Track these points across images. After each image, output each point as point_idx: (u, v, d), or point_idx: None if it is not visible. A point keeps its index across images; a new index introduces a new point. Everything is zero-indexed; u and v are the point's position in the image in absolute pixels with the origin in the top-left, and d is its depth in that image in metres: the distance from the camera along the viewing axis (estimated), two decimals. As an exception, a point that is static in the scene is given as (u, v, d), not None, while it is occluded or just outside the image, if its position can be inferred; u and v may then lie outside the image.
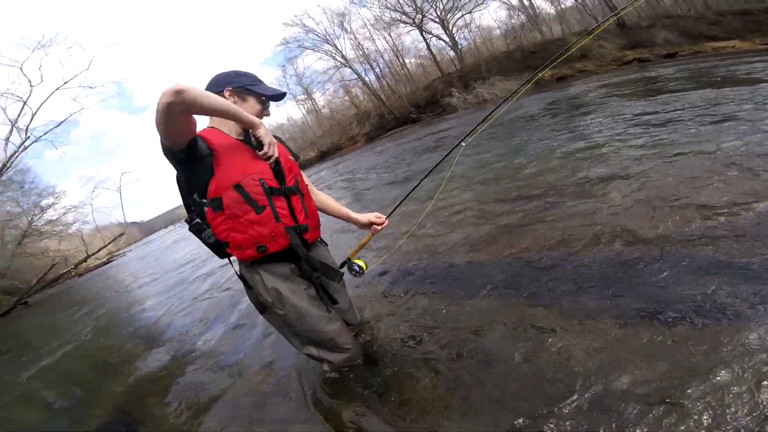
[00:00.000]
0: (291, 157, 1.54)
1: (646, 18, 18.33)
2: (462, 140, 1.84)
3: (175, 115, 1.09)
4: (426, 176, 1.93)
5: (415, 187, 1.92)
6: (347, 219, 1.78)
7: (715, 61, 9.86)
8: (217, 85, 1.41)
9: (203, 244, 1.42)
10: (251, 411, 1.77)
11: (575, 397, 1.17)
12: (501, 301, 1.80)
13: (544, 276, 1.88)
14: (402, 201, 1.89)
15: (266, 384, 1.93)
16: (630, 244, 1.90)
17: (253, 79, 1.46)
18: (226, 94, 1.39)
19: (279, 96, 1.50)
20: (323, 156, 27.96)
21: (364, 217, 1.74)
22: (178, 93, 1.04)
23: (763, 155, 2.42)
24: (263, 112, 1.48)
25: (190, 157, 1.23)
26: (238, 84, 1.41)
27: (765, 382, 1.02)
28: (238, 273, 1.52)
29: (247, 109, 1.41)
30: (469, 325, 1.71)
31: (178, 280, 5.90)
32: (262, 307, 1.49)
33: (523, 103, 10.46)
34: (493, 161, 4.87)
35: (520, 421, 1.16)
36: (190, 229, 1.37)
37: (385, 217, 1.77)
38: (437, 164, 1.92)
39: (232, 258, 1.46)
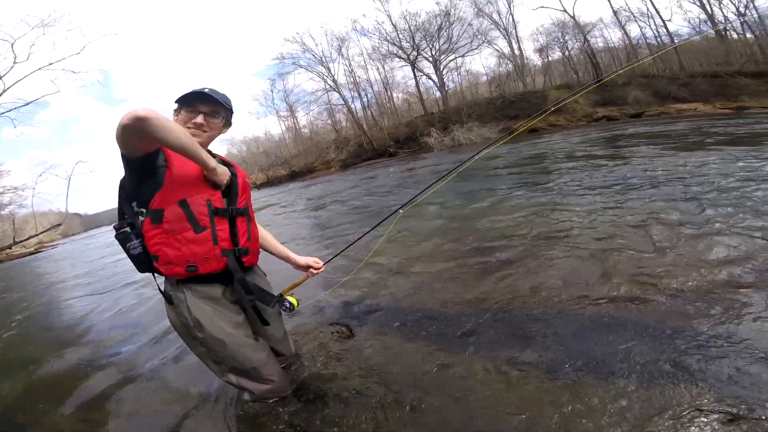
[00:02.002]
0: (247, 180, 1.54)
1: (624, 76, 19.94)
2: (401, 208, 2.01)
3: (132, 137, 1.11)
4: (362, 236, 2.08)
5: (351, 244, 2.08)
6: (286, 258, 1.77)
7: (672, 122, 10.75)
8: None
9: (126, 254, 1.34)
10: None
11: None
12: (438, 345, 1.78)
13: (489, 325, 1.87)
14: (339, 254, 2.04)
15: (178, 405, 1.78)
16: (567, 301, 1.94)
17: (193, 95, 1.37)
18: (173, 117, 1.39)
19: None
20: (294, 175, 27.71)
21: (303, 259, 1.77)
22: (140, 120, 1.04)
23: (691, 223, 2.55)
24: (193, 118, 1.36)
25: (144, 166, 1.21)
26: (178, 102, 1.39)
27: None
28: (161, 289, 1.42)
29: (181, 120, 1.37)
30: (408, 368, 1.66)
31: (109, 282, 5.45)
32: (183, 329, 1.39)
33: (492, 152, 10.88)
34: (448, 209, 4.93)
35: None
36: (116, 236, 1.31)
37: (322, 263, 1.80)
38: (374, 227, 2.09)
39: (155, 274, 1.38)
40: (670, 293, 1.80)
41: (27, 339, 3.49)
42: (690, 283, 1.85)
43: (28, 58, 20.10)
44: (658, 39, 24.44)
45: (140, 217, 1.27)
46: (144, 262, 1.32)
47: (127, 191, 1.30)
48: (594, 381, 1.33)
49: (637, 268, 2.11)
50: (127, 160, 1.20)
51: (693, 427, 1.07)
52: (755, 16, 20.25)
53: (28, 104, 20.46)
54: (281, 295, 1.65)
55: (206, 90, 1.38)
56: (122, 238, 1.29)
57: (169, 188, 1.23)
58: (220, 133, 1.47)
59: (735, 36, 21.08)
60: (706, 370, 1.27)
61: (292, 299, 1.68)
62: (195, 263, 1.28)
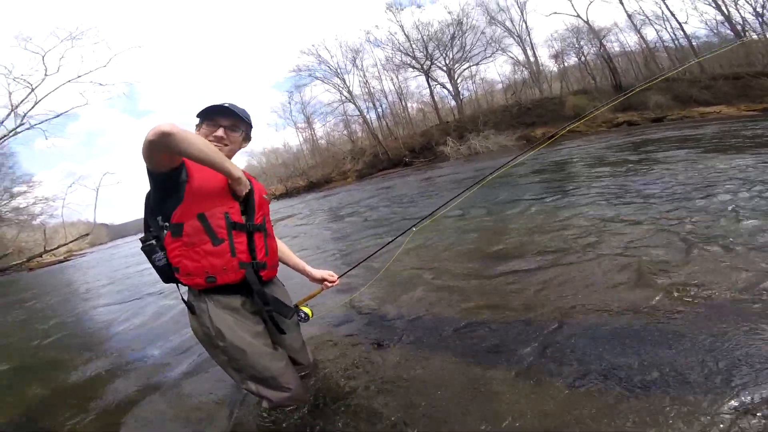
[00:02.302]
0: (265, 196, 1.57)
1: (643, 80, 19.50)
2: (414, 226, 2.04)
3: (157, 152, 1.14)
4: (376, 252, 2.11)
5: (366, 259, 2.11)
6: (302, 271, 1.81)
7: (697, 126, 10.39)
8: None
9: (151, 266, 1.39)
10: None
11: None
12: (457, 359, 1.77)
13: (504, 337, 1.86)
14: (353, 267, 2.09)
15: (199, 412, 1.82)
16: (591, 312, 1.91)
17: (213, 109, 1.43)
18: (195, 131, 1.43)
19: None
20: (312, 186, 28.04)
21: (318, 273, 1.80)
22: (165, 135, 1.08)
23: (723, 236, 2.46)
24: (214, 131, 1.42)
25: (168, 181, 1.25)
26: (199, 117, 1.44)
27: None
28: (185, 299, 1.46)
29: (202, 134, 1.42)
30: (424, 379, 1.66)
31: (134, 291, 5.59)
32: (204, 338, 1.43)
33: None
34: (470, 218, 4.89)
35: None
36: (142, 248, 1.36)
37: (337, 276, 1.84)
38: (387, 243, 2.16)
39: (180, 284, 1.43)
40: (701, 303, 1.75)
41: (55, 345, 3.58)
42: (722, 294, 1.79)
43: (58, 71, 21.03)
44: (676, 42, 23.94)
45: (164, 230, 1.32)
46: (168, 273, 1.36)
47: (152, 206, 1.35)
48: (618, 392, 1.31)
49: (667, 276, 2.06)
50: (152, 175, 1.25)
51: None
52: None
53: (58, 116, 21.48)
54: (296, 306, 1.68)
55: (226, 104, 1.43)
56: (148, 251, 1.35)
57: (189, 202, 1.27)
58: (240, 147, 1.51)
59: (755, 36, 20.39)
60: (735, 382, 1.23)
61: (307, 310, 1.72)
62: (214, 274, 1.32)
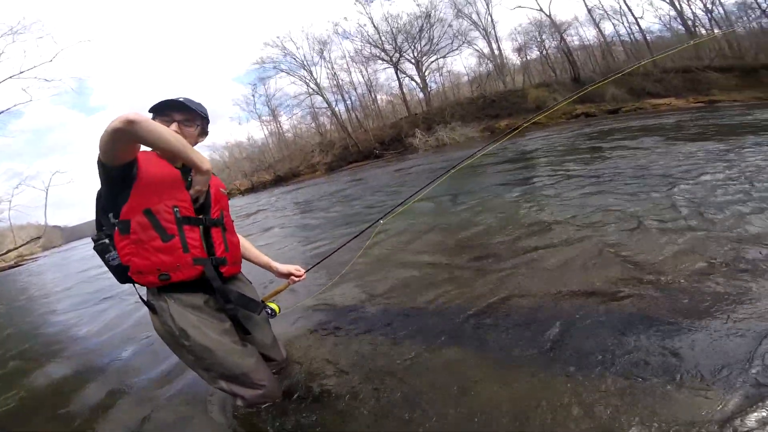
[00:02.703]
0: (222, 190, 1.54)
1: (600, 74, 20.46)
2: (381, 218, 2.07)
3: (121, 141, 1.12)
4: (342, 246, 2.11)
5: (333, 252, 2.14)
6: (267, 267, 1.80)
7: (653, 117, 11.04)
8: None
9: (105, 266, 1.36)
10: None
11: None
12: (432, 347, 1.80)
13: (478, 324, 1.90)
14: (320, 262, 2.14)
15: (173, 414, 1.79)
16: (564, 298, 1.98)
17: (166, 104, 1.39)
18: None
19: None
20: (279, 180, 27.45)
21: (284, 267, 1.79)
22: (130, 123, 1.07)
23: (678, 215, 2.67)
24: (168, 126, 1.36)
25: (121, 177, 1.22)
26: (152, 111, 1.39)
27: None
28: (144, 298, 1.43)
29: None
30: (399, 370, 1.68)
31: (93, 294, 5.32)
32: (168, 337, 1.40)
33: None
34: (435, 207, 4.99)
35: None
36: (95, 248, 1.33)
37: (304, 270, 1.83)
38: (355, 236, 2.14)
39: (136, 284, 1.39)
40: (669, 287, 1.83)
41: (17, 354, 3.41)
42: (689, 276, 1.89)
43: None
44: (632, 36, 25.12)
45: (115, 228, 1.28)
46: (122, 273, 1.32)
47: (104, 203, 1.31)
48: (589, 376, 1.35)
49: (633, 262, 2.16)
50: (105, 168, 1.21)
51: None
52: (722, 12, 21.00)
53: (0, 113, 19.88)
54: (263, 302, 1.67)
55: (180, 99, 1.39)
56: (101, 250, 1.31)
57: (136, 197, 1.24)
58: (196, 142, 1.47)
59: (704, 32, 21.77)
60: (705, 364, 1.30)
61: (274, 306, 1.73)
62: (166, 271, 1.29)
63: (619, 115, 16.22)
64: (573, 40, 26.30)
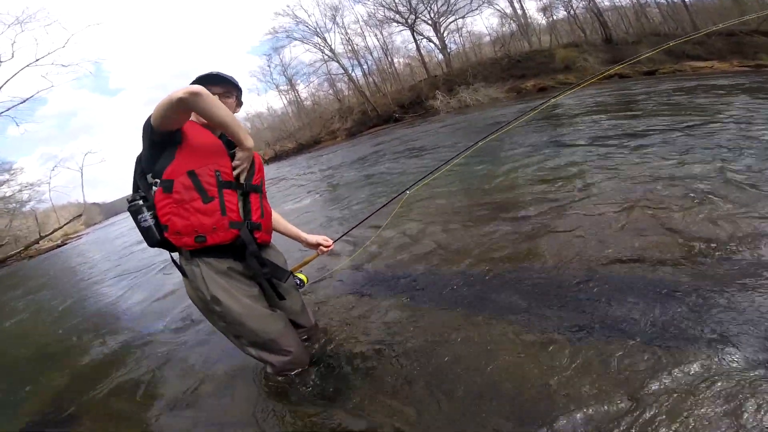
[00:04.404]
0: (263, 162, 1.59)
1: (634, 35, 18.91)
2: (408, 188, 2.05)
3: (180, 111, 1.20)
4: (369, 216, 2.15)
5: (360, 223, 2.16)
6: (296, 237, 1.82)
7: (688, 80, 10.27)
8: None
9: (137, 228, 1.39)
10: (191, 412, 1.73)
11: (523, 407, 1.18)
12: (461, 313, 1.79)
13: (508, 291, 1.87)
14: (348, 231, 2.20)
15: (207, 384, 1.88)
16: (599, 264, 1.90)
17: (206, 78, 1.43)
18: None
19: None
20: (301, 148, 27.52)
21: (313, 238, 1.82)
22: (195, 95, 1.16)
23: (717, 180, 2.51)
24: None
25: (165, 141, 1.28)
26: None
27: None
28: (177, 263, 1.46)
29: None
30: (427, 336, 1.69)
31: (137, 264, 5.66)
32: (200, 303, 1.45)
33: (506, 114, 10.55)
34: (463, 171, 4.84)
35: (472, 429, 1.16)
36: (129, 209, 1.35)
37: (332, 241, 1.86)
38: (382, 206, 2.11)
39: (168, 248, 1.43)
40: (702, 254, 1.74)
41: (68, 330, 3.65)
42: (725, 244, 1.78)
43: (12, 56, 19.87)
44: (668, -3, 22.48)
45: (154, 188, 1.31)
46: (153, 235, 1.34)
47: (143, 165, 1.34)
48: (616, 344, 1.32)
49: (666, 227, 2.05)
50: (153, 132, 1.25)
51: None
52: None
53: (24, 101, 20.44)
54: (291, 272, 1.68)
55: (214, 72, 1.44)
56: (134, 210, 1.33)
57: (180, 160, 1.28)
58: (234, 113, 1.51)
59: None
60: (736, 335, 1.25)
61: (302, 276, 1.76)
62: (203, 233, 1.31)
63: (655, 76, 14.98)
64: (603, 0, 23.96)
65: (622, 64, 2.14)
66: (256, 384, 1.69)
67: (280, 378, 1.62)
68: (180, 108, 1.18)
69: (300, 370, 1.61)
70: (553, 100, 2.27)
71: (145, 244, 1.39)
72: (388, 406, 1.36)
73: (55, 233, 19.27)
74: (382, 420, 1.30)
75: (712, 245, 1.79)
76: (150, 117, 1.24)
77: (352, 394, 1.47)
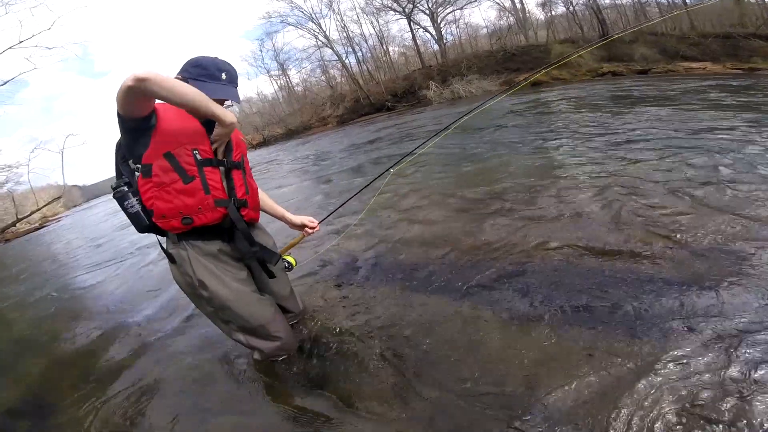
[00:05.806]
0: (242, 138, 1.54)
1: (630, 33, 18.98)
2: (391, 167, 2.03)
3: (135, 98, 1.13)
4: (354, 196, 2.10)
5: (344, 203, 2.12)
6: (281, 218, 1.78)
7: (681, 81, 10.36)
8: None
9: (124, 214, 1.36)
10: (174, 399, 1.68)
11: (510, 394, 1.21)
12: (445, 300, 1.80)
13: (491, 277, 1.89)
14: (333, 212, 2.16)
15: (193, 371, 1.83)
16: (581, 254, 1.94)
17: (205, 72, 1.32)
18: None
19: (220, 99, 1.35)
20: (291, 134, 27.16)
21: (298, 218, 1.78)
22: (140, 81, 1.08)
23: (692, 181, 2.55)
24: None
25: (138, 127, 1.24)
26: (186, 74, 1.33)
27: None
28: (164, 247, 1.43)
29: None
30: (414, 321, 1.70)
31: (119, 249, 5.47)
32: (188, 288, 1.42)
33: (496, 106, 10.50)
34: (448, 160, 4.84)
35: (459, 414, 1.17)
36: (114, 196, 1.33)
37: (318, 222, 1.82)
38: (366, 185, 2.10)
39: (157, 233, 1.40)
40: (679, 246, 1.79)
41: (48, 316, 3.55)
42: (700, 236, 1.83)
43: None
44: (668, -4, 22.60)
45: (136, 173, 1.29)
46: (141, 220, 1.32)
47: (124, 151, 1.32)
48: (598, 330, 1.36)
49: (645, 219, 2.10)
50: (123, 120, 1.22)
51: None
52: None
53: (5, 83, 19.71)
54: (279, 255, 1.66)
55: (224, 82, 1.35)
56: (120, 197, 1.31)
57: (156, 143, 1.25)
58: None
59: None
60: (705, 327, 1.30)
61: (290, 259, 1.73)
62: (189, 215, 1.30)
63: (648, 75, 15.06)
64: (603, -2, 23.87)
65: (555, 63, 2.10)
66: (242, 370, 1.67)
67: (266, 363, 1.60)
68: (132, 95, 1.12)
69: (287, 355, 1.60)
70: (496, 99, 2.36)
71: (127, 227, 1.32)
72: (375, 392, 1.35)
73: (32, 215, 18.69)
74: (368, 404, 1.30)
75: (689, 239, 1.84)
76: None
77: (339, 379, 1.46)
